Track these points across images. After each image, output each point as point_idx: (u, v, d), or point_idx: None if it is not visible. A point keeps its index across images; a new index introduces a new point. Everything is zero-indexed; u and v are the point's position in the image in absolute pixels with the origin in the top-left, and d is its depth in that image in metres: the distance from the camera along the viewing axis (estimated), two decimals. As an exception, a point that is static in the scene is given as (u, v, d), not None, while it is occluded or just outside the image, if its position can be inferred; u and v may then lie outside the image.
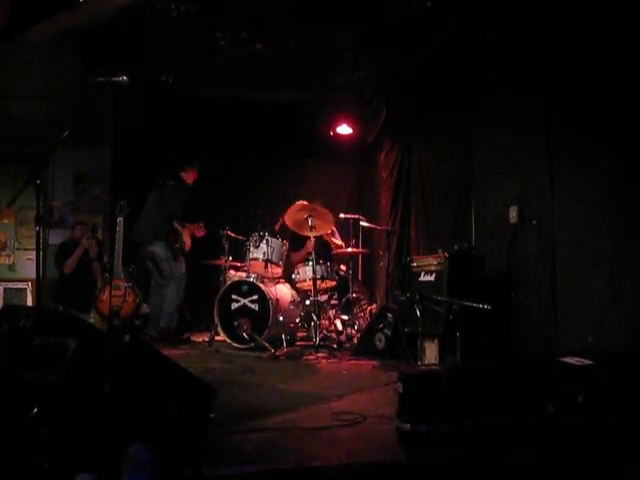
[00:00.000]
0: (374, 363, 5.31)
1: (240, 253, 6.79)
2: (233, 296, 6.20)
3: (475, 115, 5.89)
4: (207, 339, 6.31)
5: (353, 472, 2.56)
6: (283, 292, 6.39)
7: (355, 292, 6.77)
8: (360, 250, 7.09)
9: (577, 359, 3.14)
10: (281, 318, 6.03)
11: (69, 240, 7.04)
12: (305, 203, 6.70)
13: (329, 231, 7.10)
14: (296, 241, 7.02)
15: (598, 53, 4.07)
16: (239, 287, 6.23)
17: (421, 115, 6.93)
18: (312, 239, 6.41)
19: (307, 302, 6.37)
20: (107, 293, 6.37)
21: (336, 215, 6.81)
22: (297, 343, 6.37)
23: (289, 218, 6.61)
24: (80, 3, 5.41)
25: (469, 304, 4.44)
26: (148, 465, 2.25)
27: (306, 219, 6.36)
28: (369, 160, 8.53)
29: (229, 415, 3.25)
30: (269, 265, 6.37)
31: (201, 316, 7.08)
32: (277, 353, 5.63)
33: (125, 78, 4.26)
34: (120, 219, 6.74)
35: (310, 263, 6.29)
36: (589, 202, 4.17)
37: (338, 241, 7.19)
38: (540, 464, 2.66)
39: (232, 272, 6.71)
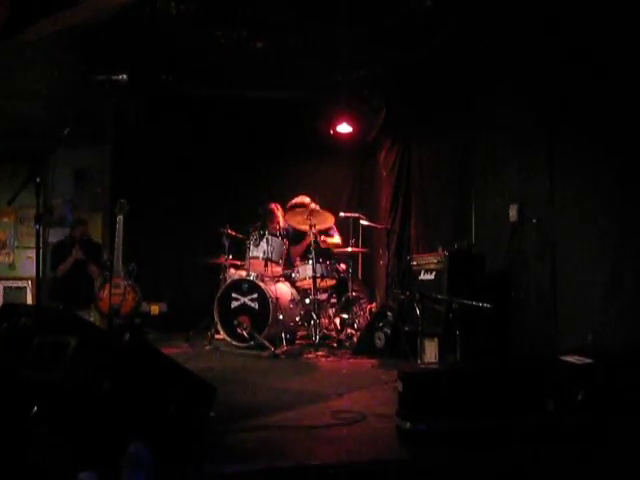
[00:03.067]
0: (374, 362, 5.31)
1: (240, 251, 6.80)
2: (233, 295, 6.20)
3: (475, 114, 5.89)
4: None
5: (353, 470, 2.56)
6: (283, 291, 6.39)
7: (355, 291, 6.77)
8: (360, 249, 7.09)
9: (577, 357, 3.14)
10: (281, 317, 6.03)
11: (66, 239, 6.96)
12: (304, 200, 6.73)
13: (324, 231, 7.05)
14: (294, 235, 7.03)
15: (597, 53, 4.06)
16: (239, 286, 6.23)
17: (421, 114, 6.93)
18: (310, 233, 6.40)
19: (307, 301, 6.38)
20: (107, 291, 6.37)
21: (336, 214, 6.81)
22: (297, 342, 6.37)
23: (288, 214, 6.65)
24: (80, 2, 5.40)
25: (469, 303, 4.44)
26: (148, 463, 2.26)
27: (305, 216, 6.39)
28: (369, 159, 8.53)
29: (229, 413, 3.25)
30: (269, 264, 6.37)
31: (201, 314, 7.10)
32: (277, 352, 5.63)
33: (125, 77, 4.25)
34: (120, 217, 6.74)
35: (310, 262, 6.30)
36: (589, 201, 4.17)
37: (334, 239, 7.15)
38: (540, 463, 2.66)
39: (232, 271, 6.71)
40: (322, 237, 6.95)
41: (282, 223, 7.12)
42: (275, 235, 6.54)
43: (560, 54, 4.48)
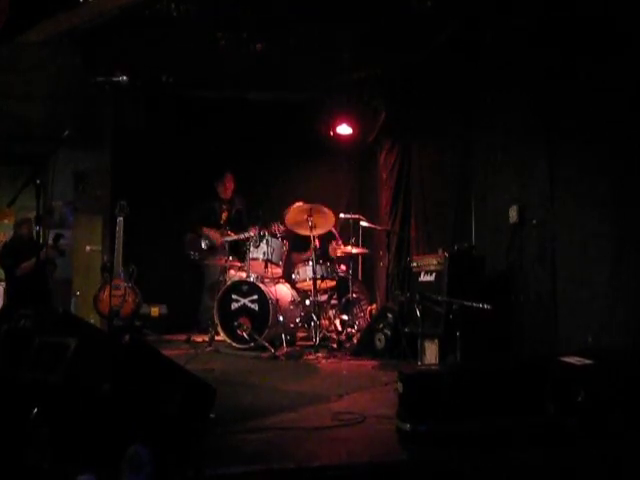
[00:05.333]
0: (374, 363, 5.32)
1: (240, 253, 6.80)
2: (233, 296, 6.20)
3: (475, 115, 5.89)
4: (207, 339, 6.31)
5: (353, 472, 2.56)
6: (283, 292, 6.39)
7: (355, 292, 6.77)
8: (360, 250, 7.09)
9: (577, 359, 3.14)
10: (281, 318, 6.03)
11: (15, 239, 6.73)
12: (303, 204, 6.74)
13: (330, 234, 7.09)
14: (298, 242, 7.03)
15: (598, 53, 4.06)
16: (239, 287, 6.22)
17: (421, 115, 6.93)
18: (315, 245, 6.40)
19: (307, 302, 6.37)
20: (107, 293, 6.36)
21: (336, 215, 6.81)
22: (297, 343, 6.37)
23: (289, 219, 6.64)
24: (80, 3, 5.41)
25: (469, 304, 4.44)
26: (148, 465, 2.25)
27: (306, 219, 6.37)
28: (369, 160, 8.52)
29: (229, 415, 3.25)
30: (269, 265, 6.37)
31: (201, 316, 7.11)
32: (277, 353, 5.63)
33: (125, 78, 4.27)
34: (120, 219, 6.74)
35: (310, 263, 6.30)
36: (589, 202, 4.17)
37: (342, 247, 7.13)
38: (540, 464, 2.66)
39: (232, 272, 6.71)
40: (334, 244, 6.95)
41: (230, 193, 7.40)
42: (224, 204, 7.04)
43: (561, 54, 4.48)
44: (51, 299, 6.51)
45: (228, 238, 6.79)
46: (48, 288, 6.55)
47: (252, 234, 6.54)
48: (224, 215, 7.32)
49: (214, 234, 7.06)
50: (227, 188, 7.41)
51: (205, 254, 7.06)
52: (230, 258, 6.69)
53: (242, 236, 6.64)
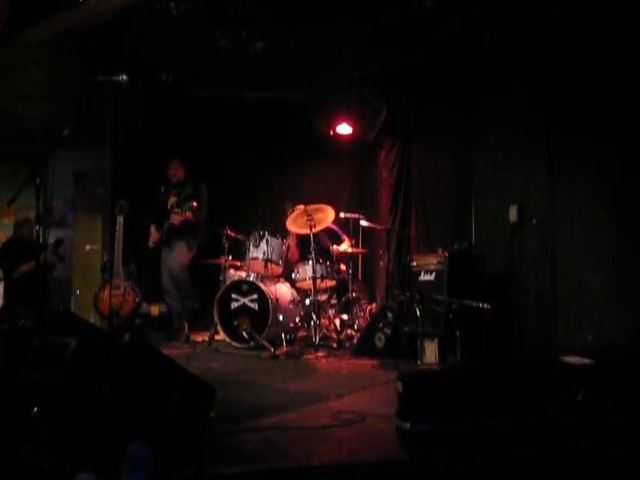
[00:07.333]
0: (374, 362, 5.31)
1: (240, 252, 6.80)
2: (233, 295, 6.20)
3: (475, 114, 5.89)
4: (207, 338, 6.31)
5: (353, 471, 2.56)
6: (283, 291, 6.39)
7: (355, 291, 6.77)
8: (360, 249, 7.09)
9: (577, 358, 3.14)
10: (281, 317, 6.03)
11: (14, 239, 6.70)
12: (301, 207, 6.77)
13: (333, 233, 7.12)
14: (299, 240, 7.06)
15: (599, 52, 4.06)
16: (239, 286, 6.22)
17: (421, 114, 6.93)
18: (292, 233, 6.59)
19: (307, 301, 6.38)
20: (107, 292, 6.36)
21: (336, 214, 6.81)
22: (297, 342, 6.37)
23: (292, 226, 6.67)
24: (80, 2, 5.41)
25: (469, 303, 4.44)
26: (148, 464, 2.26)
27: (306, 220, 6.39)
28: (369, 159, 8.53)
29: (229, 414, 3.25)
30: (269, 264, 6.38)
31: (201, 315, 7.10)
32: (277, 352, 5.63)
33: (125, 77, 4.27)
34: (120, 218, 6.73)
35: (310, 262, 6.30)
36: (589, 201, 4.17)
37: (344, 245, 7.14)
38: (540, 464, 2.66)
39: (232, 271, 6.71)
40: (334, 246, 6.97)
41: (177, 177, 7.09)
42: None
43: (561, 53, 4.47)
44: (49, 303, 6.48)
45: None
46: (47, 292, 6.53)
47: (175, 223, 6.72)
48: (171, 200, 7.00)
49: (153, 234, 6.96)
50: (173, 174, 7.09)
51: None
52: (230, 257, 6.68)
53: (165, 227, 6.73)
